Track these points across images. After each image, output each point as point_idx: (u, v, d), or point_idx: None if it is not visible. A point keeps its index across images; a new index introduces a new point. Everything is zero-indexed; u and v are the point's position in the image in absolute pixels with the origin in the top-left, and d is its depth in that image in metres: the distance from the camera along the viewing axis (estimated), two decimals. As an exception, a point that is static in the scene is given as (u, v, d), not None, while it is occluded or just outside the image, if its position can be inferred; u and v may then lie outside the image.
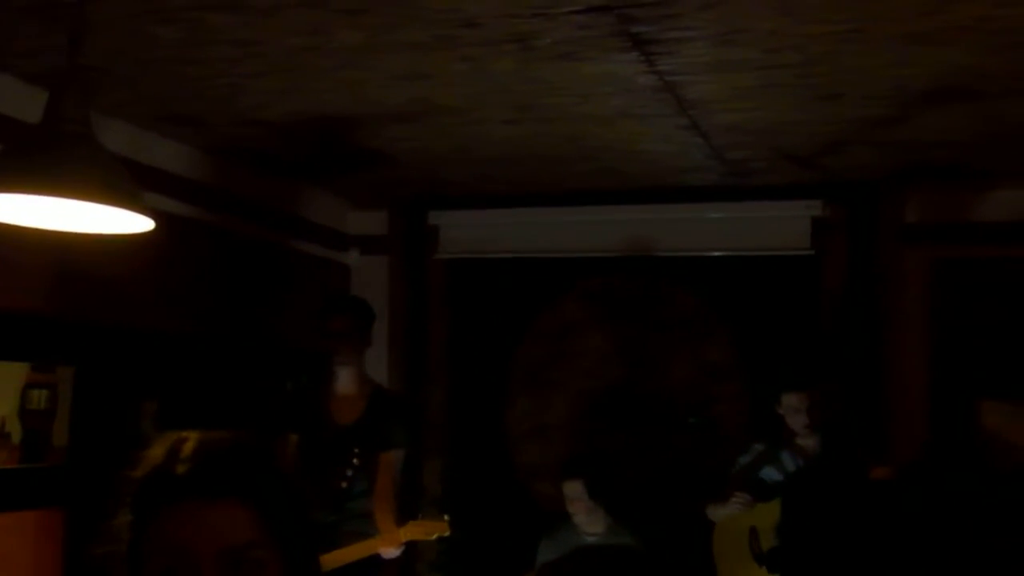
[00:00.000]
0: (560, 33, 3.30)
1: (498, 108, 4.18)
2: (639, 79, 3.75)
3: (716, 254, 5.75)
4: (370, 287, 6.12)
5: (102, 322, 4.45)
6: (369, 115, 4.36)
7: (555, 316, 6.10)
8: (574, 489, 5.18)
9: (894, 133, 4.39)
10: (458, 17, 3.19)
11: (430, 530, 4.54)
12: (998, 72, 3.62)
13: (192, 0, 3.13)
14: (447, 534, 4.57)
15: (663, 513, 5.26)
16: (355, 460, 4.61)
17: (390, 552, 4.55)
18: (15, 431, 4.01)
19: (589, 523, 5.24)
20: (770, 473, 4.98)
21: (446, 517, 4.62)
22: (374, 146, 4.87)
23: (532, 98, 4.03)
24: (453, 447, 6.27)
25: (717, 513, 5.04)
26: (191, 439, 1.47)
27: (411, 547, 5.95)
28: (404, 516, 4.69)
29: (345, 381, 4.80)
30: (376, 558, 4.71)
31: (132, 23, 3.32)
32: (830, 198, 5.50)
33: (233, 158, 5.19)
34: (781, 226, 5.59)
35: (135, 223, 2.49)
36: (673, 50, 3.44)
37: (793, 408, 4.82)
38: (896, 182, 5.34)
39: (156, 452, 1.48)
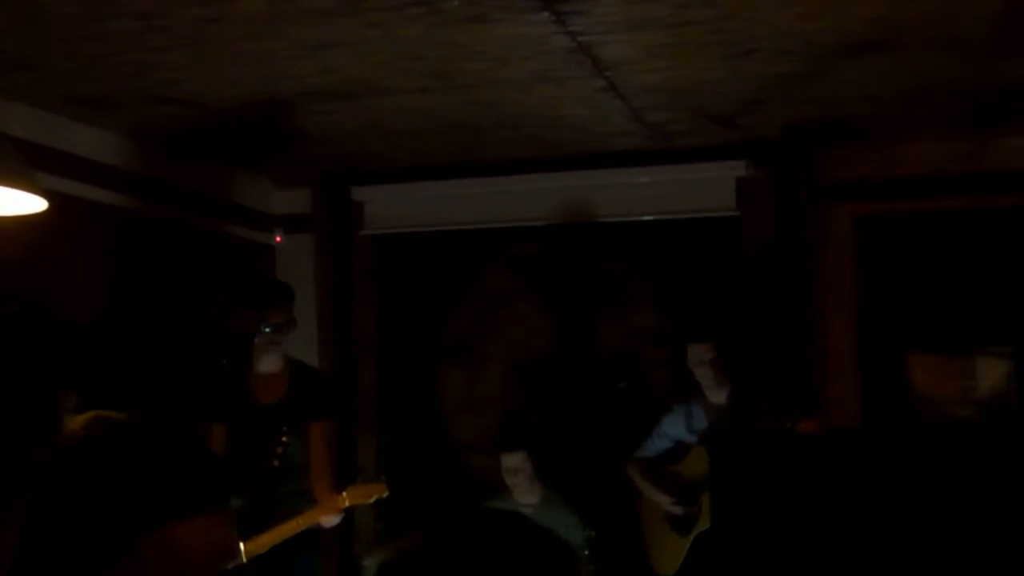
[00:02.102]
0: (467, -6, 3.25)
1: (412, 76, 4.12)
2: (552, 40, 3.71)
3: (642, 218, 5.73)
4: (295, 266, 6.05)
5: (14, 313, 4.34)
6: (282, 89, 4.29)
7: (484, 287, 6.07)
8: (515, 460, 5.16)
9: (810, 89, 4.39)
10: (360, -19, 3.13)
11: (369, 492, 4.50)
12: (908, 23, 3.63)
13: (84, -29, 3.04)
14: (386, 495, 4.52)
15: (594, 479, 5.26)
16: (284, 438, 4.56)
17: (331, 520, 4.50)
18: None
19: (526, 494, 5.23)
20: (682, 432, 5.01)
21: (383, 478, 4.58)
22: (290, 121, 4.79)
23: (445, 64, 3.97)
24: (386, 423, 6.23)
25: (646, 489, 5.07)
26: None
27: (348, 526, 5.93)
28: (341, 487, 4.64)
29: (269, 361, 4.73)
30: (315, 537, 4.66)
31: (24, -2, 3.22)
32: (753, 158, 5.51)
33: (148, 140, 5.08)
34: (706, 188, 5.59)
35: (27, 204, 2.41)
36: (583, 8, 3.40)
37: (698, 359, 4.84)
38: (817, 140, 5.35)
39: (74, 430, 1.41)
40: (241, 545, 3.81)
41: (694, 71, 4.14)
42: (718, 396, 4.90)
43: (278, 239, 6.27)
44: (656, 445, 5.10)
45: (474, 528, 1.25)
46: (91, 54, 3.80)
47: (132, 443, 1.41)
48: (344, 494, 4.48)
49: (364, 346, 6.25)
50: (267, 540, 4.48)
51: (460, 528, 1.24)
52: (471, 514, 1.29)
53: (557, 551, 1.25)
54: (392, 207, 6.08)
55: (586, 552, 5.09)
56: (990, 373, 5.34)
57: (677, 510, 4.91)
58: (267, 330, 4.61)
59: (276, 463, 4.58)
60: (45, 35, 3.58)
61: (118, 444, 1.39)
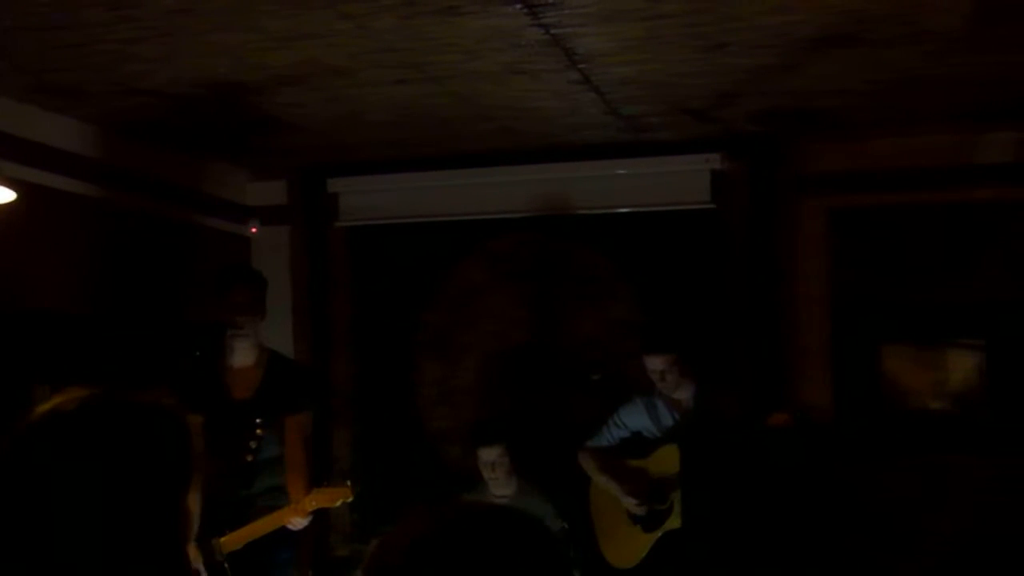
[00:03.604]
0: (440, -14, 3.25)
1: (386, 68, 4.11)
2: (526, 33, 3.71)
3: (618, 211, 5.74)
4: (271, 258, 6.04)
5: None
6: (255, 80, 4.27)
7: (459, 279, 6.06)
8: (493, 454, 5.16)
9: (784, 82, 4.40)
10: (332, -28, 3.12)
11: (334, 496, 4.48)
12: (880, 17, 3.64)
13: (54, -40, 3.02)
14: (351, 499, 4.52)
15: (568, 471, 5.26)
16: (258, 431, 4.52)
17: (298, 522, 4.49)
18: None
19: (503, 486, 5.23)
20: (644, 425, 5.00)
21: (348, 482, 4.57)
22: (265, 112, 4.78)
23: (419, 56, 3.97)
24: (362, 415, 6.22)
25: (601, 481, 5.06)
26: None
27: (324, 518, 5.92)
28: (315, 484, 4.63)
29: (242, 353, 4.71)
30: (291, 533, 4.64)
31: (-6, -13, 3.20)
32: (728, 151, 5.53)
33: (123, 131, 5.06)
34: (681, 181, 5.60)
35: (-5, 193, 2.39)
36: (557, 1, 3.40)
37: (653, 370, 4.85)
38: (792, 134, 5.37)
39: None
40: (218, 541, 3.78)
41: (668, 64, 4.14)
42: (679, 394, 4.91)
43: (253, 230, 6.25)
44: (612, 435, 5.08)
45: (463, 519, 1.25)
46: (62, 43, 3.78)
47: (131, 406, 1.44)
48: (309, 497, 4.46)
49: (340, 337, 6.24)
50: (240, 537, 4.46)
51: (448, 519, 1.24)
52: (458, 506, 1.29)
53: (545, 541, 1.26)
54: (368, 198, 6.07)
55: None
56: (962, 365, 5.38)
57: (640, 510, 4.89)
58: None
59: (250, 458, 4.53)
60: (16, 24, 3.55)
61: (125, 408, 1.44)
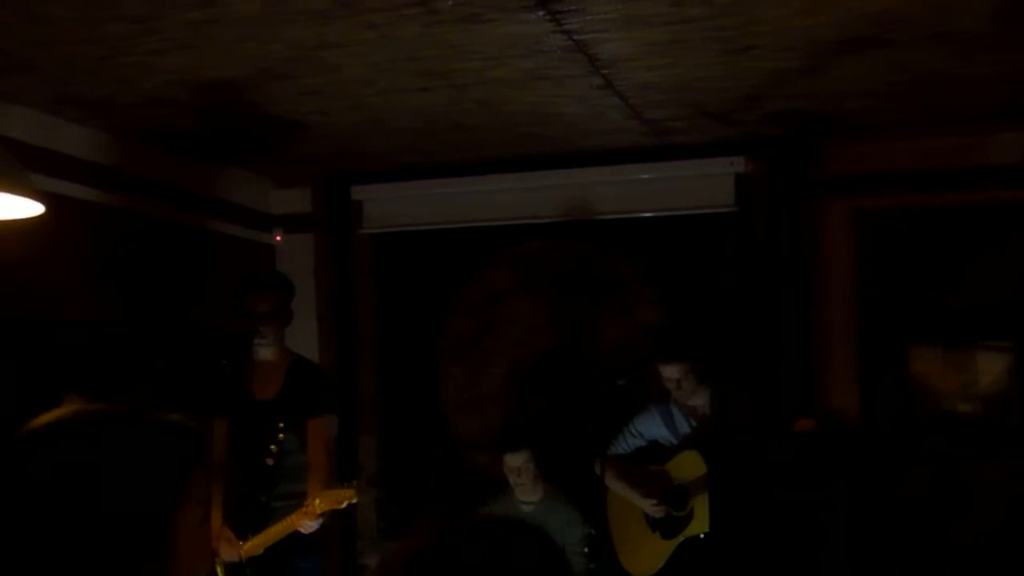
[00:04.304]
0: (462, -6, 3.25)
1: (409, 76, 4.12)
2: (548, 39, 3.70)
3: (641, 215, 5.73)
4: (295, 266, 6.06)
5: (16, 314, 4.34)
6: (279, 89, 4.28)
7: (484, 285, 6.06)
8: (519, 460, 5.16)
9: (808, 85, 4.38)
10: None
11: (339, 498, 4.49)
12: (906, 19, 3.62)
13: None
14: (355, 500, 4.53)
15: (594, 477, 5.24)
16: (280, 435, 4.53)
17: (308, 525, 4.49)
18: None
19: (528, 492, 5.23)
20: (660, 433, 4.99)
21: (354, 482, 4.57)
22: (288, 120, 4.79)
23: (442, 63, 3.97)
24: (388, 422, 6.23)
25: (619, 488, 5.04)
26: None
27: (351, 526, 5.94)
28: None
29: (265, 356, 4.72)
30: (317, 540, 4.66)
31: (21, 1, 3.22)
32: (752, 154, 5.50)
33: (146, 141, 5.09)
34: (705, 184, 5.58)
35: (24, 208, 2.41)
36: (579, 7, 3.39)
37: (669, 378, 4.83)
38: (816, 136, 5.35)
39: None
40: (241, 544, 3.81)
41: (691, 68, 4.13)
42: (695, 401, 4.89)
43: (278, 238, 6.27)
44: (627, 443, 5.07)
45: (464, 535, 1.25)
46: (88, 56, 3.80)
47: (125, 418, 1.46)
48: (316, 500, 4.48)
49: (365, 344, 6.25)
50: (258, 543, 4.48)
51: (449, 535, 1.24)
52: (461, 521, 1.29)
53: (549, 556, 1.25)
54: (391, 206, 6.08)
55: (586, 549, 5.09)
56: (991, 368, 5.33)
57: (658, 511, 4.88)
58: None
59: (271, 461, 4.54)
60: (41, 38, 3.57)
61: (119, 421, 1.45)
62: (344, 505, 4.51)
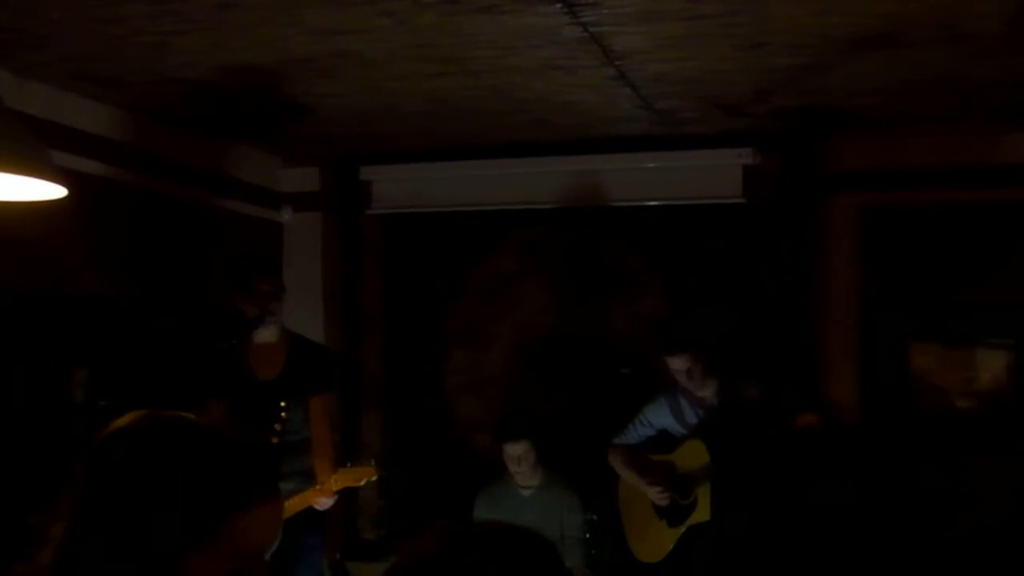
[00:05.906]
0: (481, -14, 3.27)
1: (423, 62, 4.14)
2: (564, 31, 3.73)
3: (649, 204, 5.75)
4: (304, 244, 6.09)
5: (27, 289, 4.38)
6: (294, 71, 4.30)
7: (489, 269, 6.10)
8: (518, 449, 5.20)
9: (819, 81, 4.40)
10: (377, -29, 3.14)
11: (358, 476, 4.54)
12: (918, 19, 3.64)
13: (103, -43, 3.06)
14: (375, 478, 4.57)
15: (597, 464, 5.29)
16: (283, 414, 4.56)
17: (324, 502, 4.54)
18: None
19: (528, 478, 5.27)
20: (669, 423, 5.04)
21: (372, 461, 4.62)
22: (301, 102, 4.81)
23: (457, 51, 3.99)
24: (391, 402, 6.27)
25: (628, 476, 5.09)
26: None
27: (352, 503, 5.98)
28: (341, 465, 4.67)
29: (266, 334, 4.75)
30: (319, 516, 4.70)
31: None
32: (761, 147, 5.53)
33: (159, 117, 5.11)
34: (713, 175, 5.60)
35: (46, 190, 2.44)
36: (596, 1, 3.42)
37: (675, 368, 4.87)
38: (824, 130, 5.37)
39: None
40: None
41: (705, 62, 4.15)
42: (703, 391, 4.93)
43: (287, 217, 6.29)
44: (638, 432, 5.13)
45: (472, 541, 1.28)
46: (107, 35, 3.82)
47: (185, 438, 1.46)
48: (335, 477, 4.52)
49: (370, 324, 6.29)
50: None
51: (457, 540, 1.26)
52: (469, 527, 1.32)
53: (552, 564, 1.28)
54: (400, 187, 6.10)
55: (587, 535, 5.15)
56: (991, 365, 5.38)
57: (664, 500, 4.94)
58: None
59: (275, 439, 4.58)
60: (63, 16, 3.59)
61: (174, 440, 1.45)
62: (363, 483, 4.56)
